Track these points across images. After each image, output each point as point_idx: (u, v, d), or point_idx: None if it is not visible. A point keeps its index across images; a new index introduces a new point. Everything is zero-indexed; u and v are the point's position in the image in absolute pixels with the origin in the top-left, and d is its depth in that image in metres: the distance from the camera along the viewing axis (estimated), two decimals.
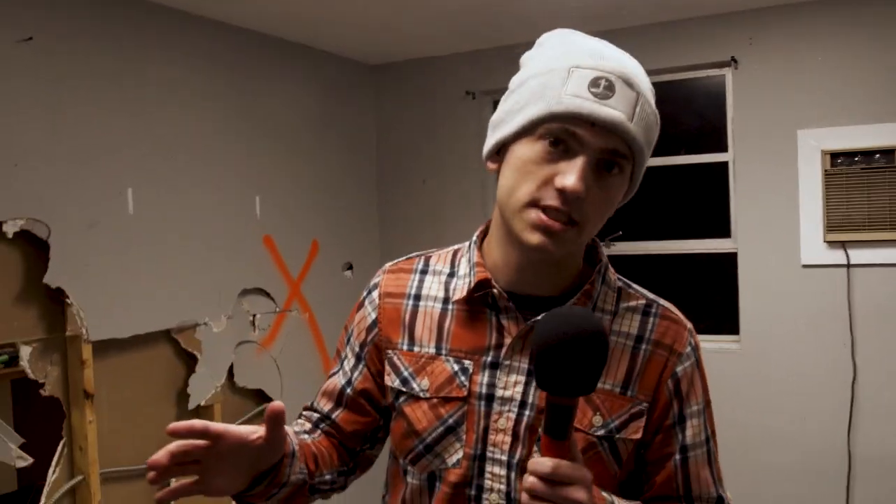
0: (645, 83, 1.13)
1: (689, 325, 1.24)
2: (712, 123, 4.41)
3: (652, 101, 1.14)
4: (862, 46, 3.94)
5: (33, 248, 3.10)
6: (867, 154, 3.91)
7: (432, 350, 1.22)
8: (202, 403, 3.78)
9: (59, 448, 3.19)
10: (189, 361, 3.75)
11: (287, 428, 1.22)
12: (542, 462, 0.97)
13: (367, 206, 5.12)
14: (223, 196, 3.96)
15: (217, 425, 1.08)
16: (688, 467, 1.20)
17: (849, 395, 3.98)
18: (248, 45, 4.14)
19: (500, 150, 1.15)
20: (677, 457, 1.19)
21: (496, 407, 1.16)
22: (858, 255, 3.94)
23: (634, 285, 1.28)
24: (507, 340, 1.18)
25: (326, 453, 1.32)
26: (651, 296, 1.26)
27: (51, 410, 3.20)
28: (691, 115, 4.53)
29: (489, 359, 1.18)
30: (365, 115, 5.12)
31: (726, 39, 4.22)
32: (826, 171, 3.97)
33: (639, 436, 1.17)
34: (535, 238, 1.08)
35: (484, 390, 1.17)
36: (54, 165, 3.15)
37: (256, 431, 1.11)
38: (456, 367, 1.20)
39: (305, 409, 1.42)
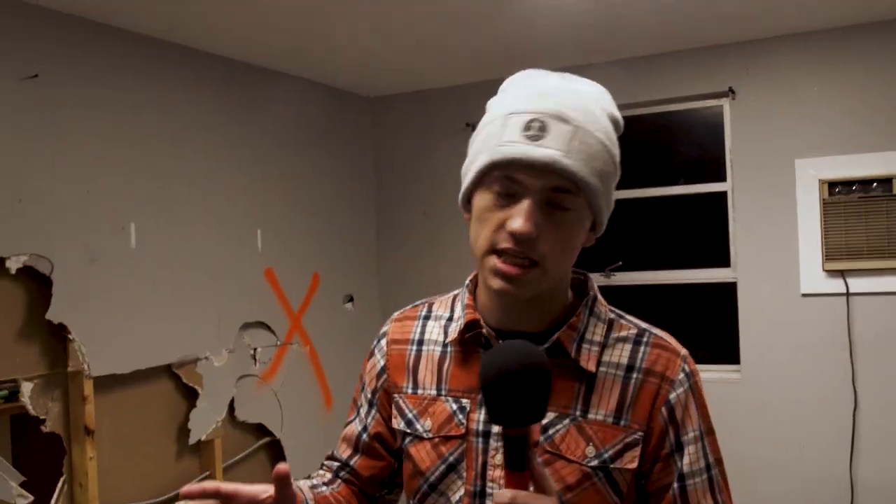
0: (587, 115, 1.13)
1: (684, 351, 1.22)
2: (711, 153, 4.44)
3: (599, 130, 1.13)
4: (858, 76, 3.98)
5: (36, 283, 3.11)
6: (865, 183, 3.94)
7: (433, 392, 1.26)
8: (203, 438, 3.76)
9: (60, 485, 3.18)
10: (190, 396, 3.74)
11: (301, 483, 1.28)
12: (502, 494, 0.99)
13: (367, 238, 5.14)
14: (225, 229, 3.97)
15: (228, 486, 1.12)
16: (686, 496, 1.17)
17: (850, 424, 3.97)
18: (249, 80, 4.17)
19: (469, 200, 1.20)
20: (675, 485, 1.17)
21: (492, 443, 1.18)
22: (857, 284, 3.95)
23: (628, 316, 1.26)
24: None
25: (345, 502, 1.35)
26: (644, 325, 1.24)
27: (50, 446, 3.19)
28: (690, 145, 4.56)
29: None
30: (364, 148, 5.16)
31: (724, 70, 4.26)
32: (824, 199, 3.99)
33: (634, 465, 1.15)
34: (496, 283, 1.12)
35: (481, 427, 1.20)
36: (57, 201, 3.17)
37: (267, 491, 1.13)
38: (455, 407, 1.23)
39: (327, 458, 1.44)
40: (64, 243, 3.18)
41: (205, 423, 3.78)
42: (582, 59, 4.44)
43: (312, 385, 4.54)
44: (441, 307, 1.34)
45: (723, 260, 4.38)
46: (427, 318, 1.34)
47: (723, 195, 4.37)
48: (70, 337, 3.18)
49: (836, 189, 4.00)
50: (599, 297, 1.26)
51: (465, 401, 1.22)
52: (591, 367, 1.17)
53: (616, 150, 1.18)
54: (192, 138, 3.81)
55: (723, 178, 4.36)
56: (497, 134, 1.12)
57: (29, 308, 3.09)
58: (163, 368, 3.61)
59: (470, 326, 1.23)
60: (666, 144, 4.63)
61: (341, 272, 4.84)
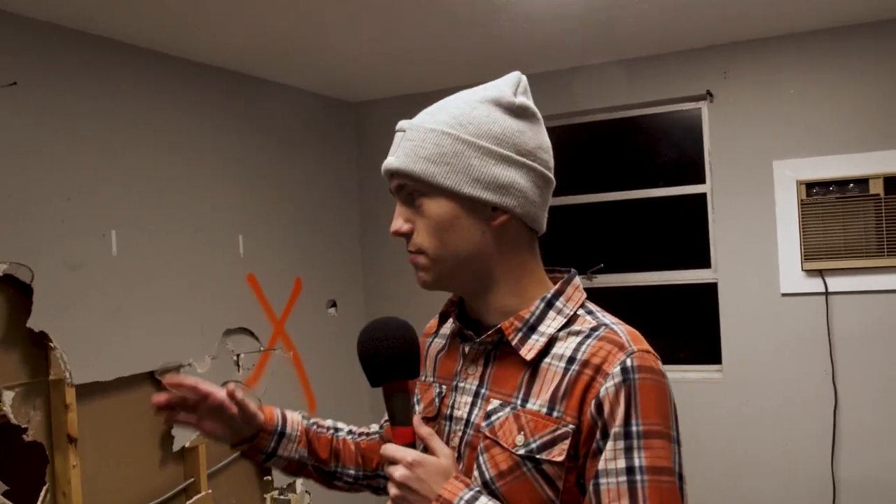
0: (427, 116, 1.25)
1: (634, 348, 1.15)
2: (690, 156, 4.48)
3: (435, 122, 1.22)
4: (834, 78, 4.03)
5: (16, 291, 3.09)
6: (841, 183, 3.98)
7: (431, 378, 1.39)
8: (187, 445, 3.75)
9: (42, 494, 3.16)
10: None
11: (294, 414, 1.57)
12: (385, 447, 1.20)
13: (351, 244, 5.14)
14: (207, 235, 3.96)
15: (205, 385, 1.40)
16: (600, 496, 1.11)
17: (831, 422, 4.01)
18: (230, 85, 4.17)
19: None
20: (591, 483, 1.12)
21: (452, 426, 1.27)
22: (836, 283, 4.00)
23: (599, 314, 1.25)
24: (461, 364, 1.32)
25: (354, 451, 1.57)
26: (608, 321, 1.22)
27: (32, 455, 3.17)
28: (669, 147, 4.59)
29: (455, 382, 1.30)
30: (348, 153, 5.16)
31: (702, 73, 4.30)
32: (802, 200, 4.04)
33: (562, 458, 1.13)
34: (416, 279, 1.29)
35: (449, 411, 1.29)
36: (38, 209, 3.16)
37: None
38: (437, 391, 1.35)
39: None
40: (45, 251, 3.16)
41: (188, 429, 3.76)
42: (561, 63, 4.47)
43: (296, 390, 4.54)
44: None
45: (703, 261, 4.42)
46: (445, 313, 1.47)
47: (702, 197, 4.41)
48: (51, 345, 3.16)
49: (813, 190, 4.04)
50: (569, 292, 1.26)
51: (444, 386, 1.33)
52: (529, 356, 1.20)
53: (469, 130, 1.20)
54: (173, 145, 3.80)
55: (702, 180, 4.40)
56: None
57: (9, 316, 3.08)
58: (145, 375, 3.60)
59: (442, 317, 1.40)
60: (645, 147, 4.66)
61: (324, 277, 4.84)
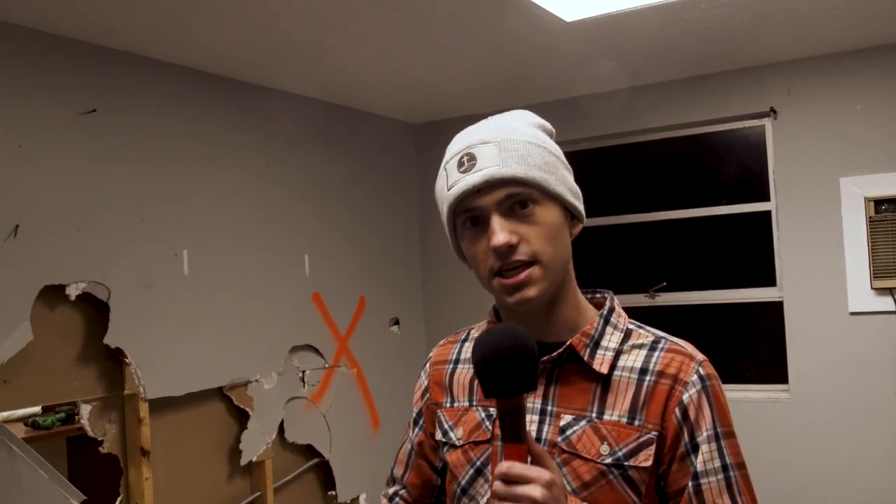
0: (506, 130, 1.25)
1: (700, 357, 1.26)
2: (753, 173, 4.44)
3: (522, 135, 1.24)
4: None
5: (94, 309, 3.22)
6: None
7: (466, 403, 1.37)
8: (254, 459, 3.84)
9: None
10: (241, 418, 3.82)
11: None
12: (500, 465, 1.09)
13: (412, 262, 5.21)
14: (274, 255, 4.06)
15: None
16: (702, 495, 1.20)
17: None
18: (296, 109, 4.28)
19: (461, 252, 1.33)
20: (690, 485, 1.20)
21: None
22: None
23: (648, 327, 1.33)
24: None
25: None
26: (662, 334, 1.30)
27: (105, 467, 3.28)
28: (732, 165, 4.55)
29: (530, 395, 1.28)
30: (408, 174, 5.24)
31: (765, 90, 4.27)
32: (870, 217, 3.96)
33: (649, 463, 1.20)
34: (511, 299, 1.22)
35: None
36: (114, 230, 3.28)
37: None
38: (483, 415, 1.33)
39: (386, 487, 1.58)
40: (120, 270, 3.29)
41: (255, 444, 3.85)
42: (625, 82, 4.48)
43: (360, 407, 4.60)
44: (477, 331, 1.46)
45: (768, 279, 4.36)
46: (465, 340, 1.47)
47: (767, 214, 4.35)
48: (126, 361, 3.28)
49: (882, 206, 3.97)
50: (618, 310, 1.33)
51: (492, 409, 1.32)
52: (604, 369, 1.24)
53: (550, 145, 1.27)
54: (242, 167, 3.91)
55: (766, 198, 4.35)
56: (443, 185, 1.27)
57: (87, 333, 3.20)
58: (214, 391, 3.70)
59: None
60: (709, 165, 4.63)
61: (387, 295, 4.91)
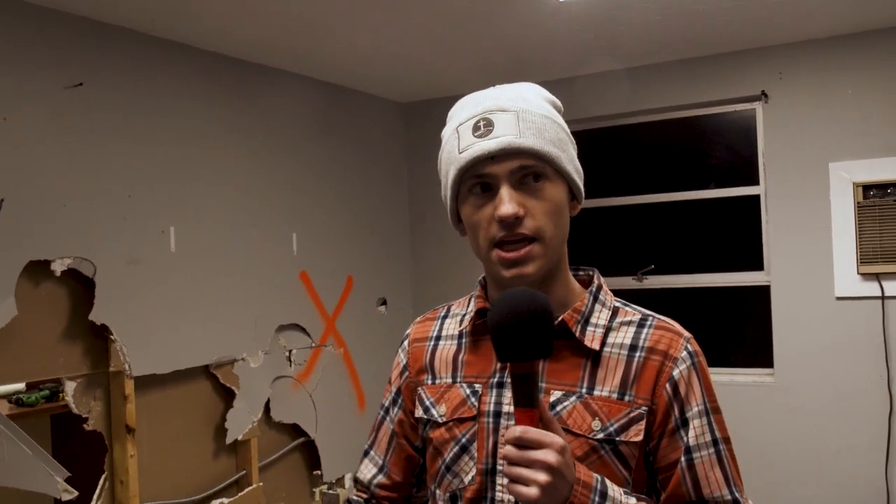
0: (524, 101, 1.24)
1: (687, 334, 1.28)
2: (743, 157, 4.44)
3: (539, 108, 1.24)
4: (891, 79, 3.96)
5: (80, 285, 3.19)
6: None
7: (449, 380, 1.35)
8: (239, 438, 3.83)
9: (101, 482, 3.26)
10: (227, 396, 3.81)
11: None
12: (513, 429, 1.07)
13: (401, 243, 5.19)
14: (261, 233, 4.04)
15: None
16: (695, 469, 1.22)
17: (885, 428, 3.94)
18: (285, 88, 4.24)
19: (458, 217, 1.32)
20: (683, 459, 1.22)
21: (503, 422, 1.25)
22: (893, 287, 3.93)
23: (633, 305, 1.34)
24: None
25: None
26: (648, 312, 1.32)
27: (89, 444, 3.27)
28: (722, 148, 4.55)
29: (496, 380, 1.28)
30: (398, 153, 5.21)
31: (756, 74, 4.26)
32: (858, 203, 3.97)
33: (640, 438, 1.21)
34: (508, 273, 1.21)
35: (492, 408, 1.27)
36: (101, 206, 3.25)
37: None
38: (468, 391, 1.31)
39: (356, 483, 1.53)
40: (107, 246, 3.26)
41: (241, 423, 3.84)
42: (615, 63, 4.46)
43: (346, 386, 4.60)
44: (458, 306, 1.45)
45: (756, 263, 4.37)
46: (445, 317, 1.45)
47: (756, 198, 4.36)
48: (112, 337, 3.26)
49: (870, 192, 3.98)
50: (605, 287, 1.34)
51: (477, 385, 1.30)
52: (595, 345, 1.24)
53: (562, 122, 1.27)
54: (230, 144, 3.88)
55: (755, 182, 4.35)
56: (454, 147, 1.25)
57: (72, 309, 3.18)
58: (200, 369, 3.69)
59: (481, 314, 1.33)
60: (699, 148, 4.62)
61: (375, 275, 4.90)
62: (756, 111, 4.34)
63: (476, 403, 1.29)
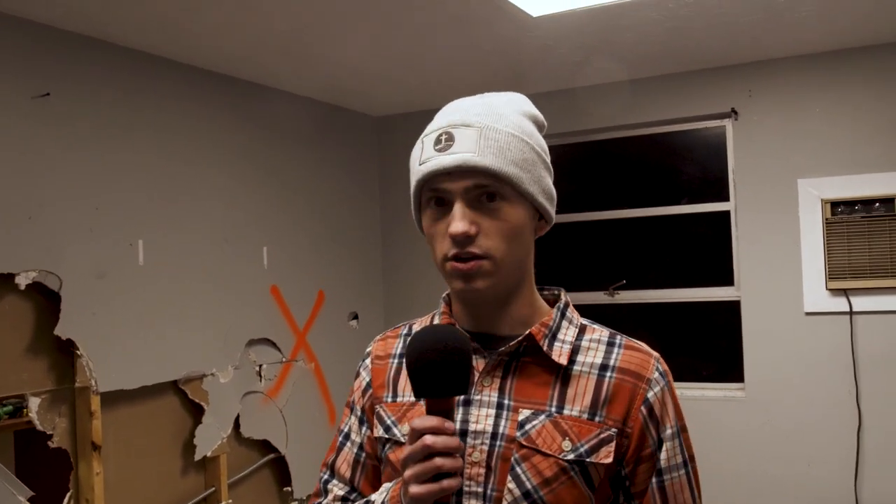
0: (493, 116, 1.21)
1: (656, 354, 1.27)
2: (713, 173, 4.47)
3: (507, 125, 1.21)
4: (860, 97, 4.01)
5: (45, 299, 3.14)
6: (867, 203, 3.96)
7: (411, 398, 1.30)
8: (208, 454, 3.78)
9: (66, 500, 3.19)
10: (196, 412, 3.76)
11: None
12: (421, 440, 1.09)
13: (373, 257, 5.17)
14: (232, 247, 4.00)
15: None
16: (665, 491, 1.22)
17: (854, 443, 3.98)
18: (257, 99, 4.22)
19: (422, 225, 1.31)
20: (654, 481, 1.22)
21: (470, 441, 1.21)
22: (861, 303, 3.97)
23: (599, 324, 1.32)
24: (476, 377, 1.25)
25: None
26: (614, 331, 1.30)
27: (55, 461, 3.21)
28: (693, 164, 4.59)
29: (461, 397, 1.24)
30: (370, 167, 5.20)
31: (726, 91, 4.30)
32: (827, 219, 4.02)
33: (610, 460, 1.19)
34: (458, 285, 1.21)
35: (458, 427, 1.22)
36: (67, 218, 3.20)
37: None
38: None
39: (315, 496, 1.44)
40: (73, 260, 3.21)
41: (210, 438, 3.79)
42: (586, 80, 4.49)
43: (317, 402, 4.56)
44: (420, 325, 1.41)
45: (726, 279, 4.40)
46: (408, 335, 1.40)
47: (726, 214, 4.39)
48: (78, 352, 3.20)
49: (838, 209, 4.02)
50: (572, 306, 1.33)
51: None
52: (563, 360, 1.22)
53: (535, 141, 1.24)
54: (200, 156, 3.85)
55: (726, 198, 4.39)
56: (416, 157, 1.24)
57: (37, 324, 3.12)
58: (169, 384, 3.63)
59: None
60: (670, 164, 4.66)
61: (346, 290, 4.87)
62: (726, 128, 4.38)
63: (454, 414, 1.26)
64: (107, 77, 3.41)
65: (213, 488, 3.83)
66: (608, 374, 1.23)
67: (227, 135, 4.02)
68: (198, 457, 3.74)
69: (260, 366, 4.14)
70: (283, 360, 4.30)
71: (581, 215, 4.79)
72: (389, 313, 5.20)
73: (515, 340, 1.23)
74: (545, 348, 1.23)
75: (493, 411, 1.22)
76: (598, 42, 3.77)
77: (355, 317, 4.94)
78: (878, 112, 3.97)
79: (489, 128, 1.19)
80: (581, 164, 4.89)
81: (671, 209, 4.56)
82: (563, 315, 1.29)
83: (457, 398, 1.16)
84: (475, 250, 1.18)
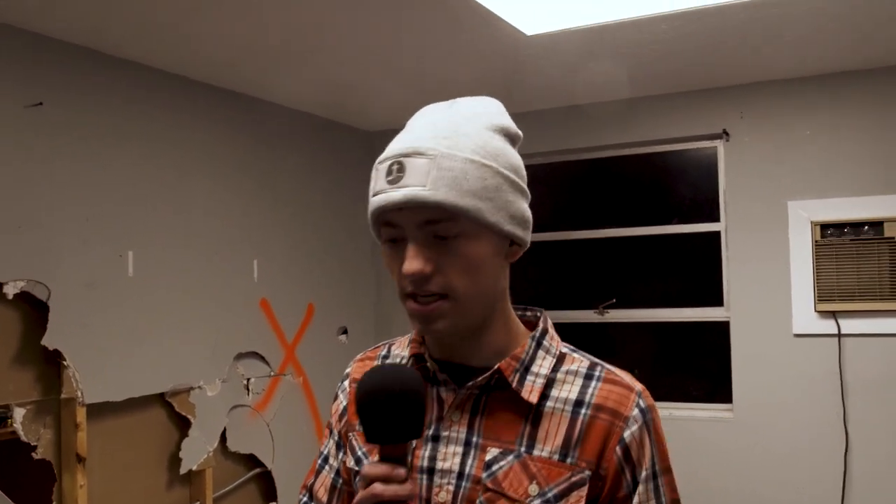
0: (450, 139, 1.10)
1: (639, 387, 1.16)
2: (704, 194, 4.49)
3: (465, 149, 1.09)
4: (850, 120, 4.04)
5: (32, 309, 3.12)
6: (856, 225, 3.98)
7: None
8: (194, 468, 3.75)
9: None
10: (182, 425, 3.74)
11: None
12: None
13: (363, 271, 5.16)
14: (222, 259, 3.99)
15: None
16: None
17: (842, 465, 3.98)
18: (249, 111, 4.22)
19: None
20: None
21: (437, 480, 1.15)
22: (849, 325, 3.98)
23: (581, 352, 1.22)
24: (445, 411, 1.18)
25: None
26: (597, 360, 1.20)
27: (37, 473, 3.17)
28: (684, 185, 4.61)
29: (431, 432, 1.17)
30: (362, 182, 5.18)
31: (718, 113, 4.33)
32: (816, 241, 4.03)
33: None
34: (418, 325, 1.13)
35: (426, 464, 1.16)
36: (57, 228, 3.19)
37: None
38: None
39: None
40: (62, 270, 3.19)
41: (196, 452, 3.77)
42: (579, 98, 4.51)
43: (305, 416, 4.54)
44: (399, 346, 1.32)
45: (716, 299, 4.41)
46: (386, 357, 1.33)
47: (716, 235, 4.41)
48: (65, 363, 3.18)
49: (828, 231, 4.04)
50: (552, 332, 1.22)
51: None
52: (533, 398, 1.13)
53: (502, 161, 1.12)
54: (192, 169, 3.84)
55: (716, 219, 4.41)
56: (371, 187, 1.15)
57: (24, 334, 3.10)
58: (155, 397, 3.61)
59: (418, 359, 1.22)
60: (661, 184, 4.67)
61: (336, 304, 4.86)
62: (717, 149, 4.40)
63: (409, 457, 1.16)
64: (100, 88, 3.40)
65: (198, 502, 3.80)
66: (583, 410, 1.13)
67: (220, 147, 4.02)
68: (183, 470, 3.71)
69: (248, 379, 4.12)
70: (272, 373, 4.28)
71: (572, 233, 4.80)
72: (379, 329, 5.19)
73: (483, 376, 1.14)
74: (514, 384, 1.14)
75: (460, 449, 1.15)
76: (591, 61, 3.79)
77: (345, 331, 4.92)
78: (869, 135, 4.00)
79: (443, 155, 1.08)
80: (573, 181, 4.90)
81: (662, 228, 4.58)
82: (538, 344, 1.19)
83: (410, 443, 1.08)
84: (433, 289, 1.09)
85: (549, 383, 1.15)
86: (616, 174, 4.80)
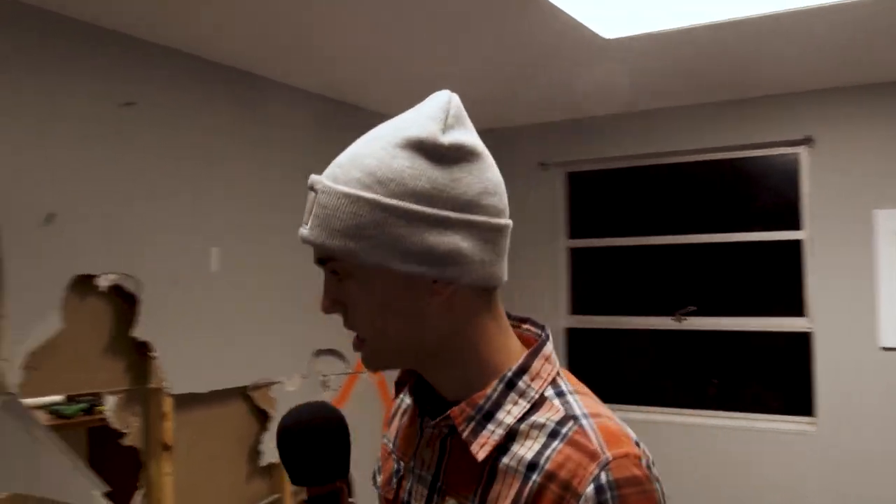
0: (346, 163, 0.98)
1: (609, 455, 0.91)
2: (787, 201, 4.40)
3: (346, 182, 0.96)
4: None
5: (123, 301, 3.25)
6: None
7: (391, 447, 1.18)
8: (273, 461, 3.85)
9: (139, 499, 3.29)
10: (262, 419, 3.84)
11: None
12: None
13: None
14: (304, 257, 4.08)
15: None
16: None
17: None
18: (333, 112, 4.30)
19: None
20: None
21: None
22: None
23: (571, 398, 0.99)
24: (418, 444, 1.09)
25: None
26: (577, 411, 0.97)
27: (125, 459, 3.31)
28: (766, 191, 4.52)
29: (413, 464, 1.09)
30: None
31: (802, 118, 4.24)
32: None
33: None
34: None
35: (406, 497, 1.08)
36: (148, 224, 3.32)
37: None
38: (396, 467, 1.14)
39: None
40: (151, 264, 3.32)
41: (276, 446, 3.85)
42: (659, 102, 4.47)
43: (380, 415, 4.60)
44: None
45: (797, 309, 4.31)
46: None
47: (798, 243, 4.31)
48: (153, 354, 3.31)
49: None
50: (536, 368, 1.01)
51: (402, 463, 1.12)
52: (482, 454, 0.96)
53: (390, 188, 0.94)
54: (277, 167, 3.95)
55: (798, 226, 4.31)
56: None
57: (116, 325, 3.24)
58: (237, 390, 3.72)
59: (399, 384, 1.14)
60: (741, 190, 4.60)
61: None
62: (800, 155, 4.31)
63: (396, 486, 1.11)
64: (191, 88, 3.52)
65: (278, 495, 3.89)
66: (533, 476, 0.93)
67: (306, 147, 4.11)
68: (263, 463, 3.81)
69: (326, 376, 4.20)
70: (349, 371, 4.36)
71: (651, 239, 4.75)
72: None
73: (441, 417, 1.00)
74: (464, 434, 0.97)
75: (426, 492, 1.04)
76: (671, 65, 3.76)
77: None
78: None
79: (325, 189, 0.97)
80: (654, 188, 4.85)
81: (742, 236, 4.50)
82: (509, 386, 0.98)
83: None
84: (348, 327, 1.01)
85: (512, 435, 0.97)
86: (697, 179, 4.74)
